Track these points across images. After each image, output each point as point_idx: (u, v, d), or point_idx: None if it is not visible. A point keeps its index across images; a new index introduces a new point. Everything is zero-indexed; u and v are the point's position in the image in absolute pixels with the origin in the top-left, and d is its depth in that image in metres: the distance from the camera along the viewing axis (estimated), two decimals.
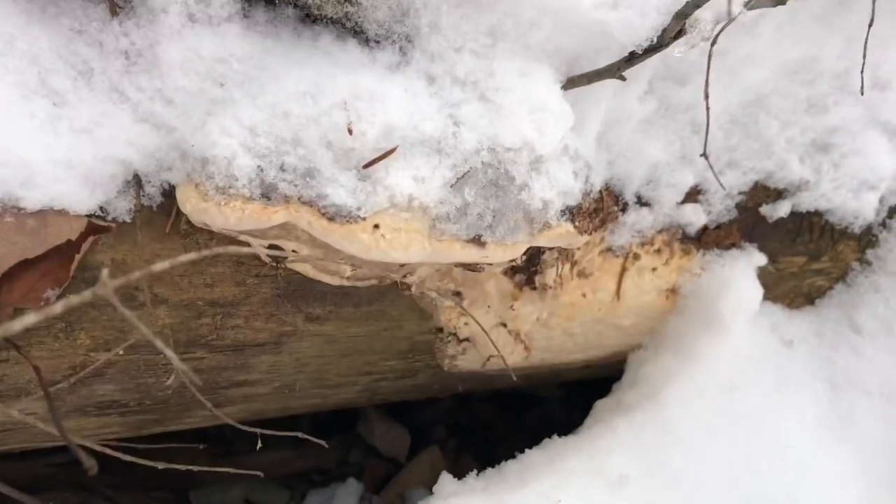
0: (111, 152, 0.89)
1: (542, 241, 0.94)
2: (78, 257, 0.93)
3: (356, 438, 1.87)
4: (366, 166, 0.86)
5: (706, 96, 1.01)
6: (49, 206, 0.88)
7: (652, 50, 0.92)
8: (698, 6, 0.86)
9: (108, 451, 0.90)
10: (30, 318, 0.52)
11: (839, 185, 1.23)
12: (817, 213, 1.26)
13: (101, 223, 0.92)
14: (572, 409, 1.39)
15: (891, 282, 1.31)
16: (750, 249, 1.23)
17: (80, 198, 0.89)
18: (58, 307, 0.52)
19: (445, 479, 1.08)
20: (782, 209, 1.23)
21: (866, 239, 1.33)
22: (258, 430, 1.02)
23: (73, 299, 0.52)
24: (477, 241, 0.91)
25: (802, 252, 1.29)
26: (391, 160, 0.87)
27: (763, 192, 1.22)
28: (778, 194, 1.23)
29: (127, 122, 0.89)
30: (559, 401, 1.94)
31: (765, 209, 1.23)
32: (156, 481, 1.75)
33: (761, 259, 1.23)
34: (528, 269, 1.10)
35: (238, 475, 1.78)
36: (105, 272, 0.50)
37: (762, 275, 1.25)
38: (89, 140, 0.88)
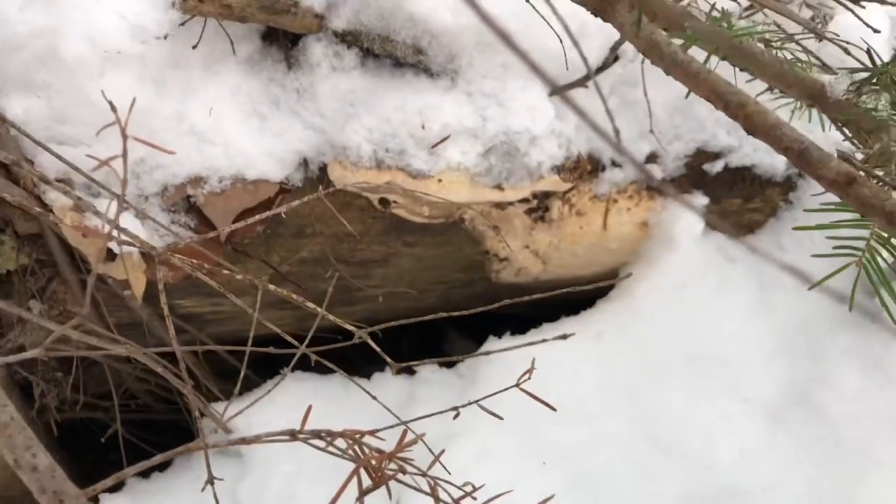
0: (292, 147, 1.58)
1: (539, 187, 1.58)
2: (273, 207, 1.63)
3: (442, 356, 2.54)
4: (433, 147, 1.53)
5: (645, 94, 1.63)
6: (260, 178, 1.58)
7: (600, 70, 1.55)
8: (619, 46, 1.49)
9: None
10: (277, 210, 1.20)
11: (757, 147, 1.81)
12: (746, 168, 1.84)
13: (286, 187, 1.62)
14: None
15: (804, 215, 1.87)
16: (696, 194, 1.83)
17: (276, 173, 1.59)
18: (295, 203, 1.19)
19: (491, 337, 1.74)
20: (718, 166, 1.82)
21: (787, 185, 1.90)
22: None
23: (296, 202, 1.19)
24: (499, 187, 1.56)
25: (739, 196, 1.87)
26: (447, 143, 1.52)
27: (703, 155, 1.81)
28: (714, 156, 1.81)
29: (300, 129, 1.58)
30: None
31: (706, 167, 1.82)
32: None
33: (704, 200, 1.82)
34: (539, 209, 1.74)
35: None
36: (320, 187, 1.18)
37: (710, 213, 1.84)
38: (280, 140, 1.57)
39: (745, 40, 0.92)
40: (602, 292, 2.00)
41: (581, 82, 1.56)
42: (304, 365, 2.36)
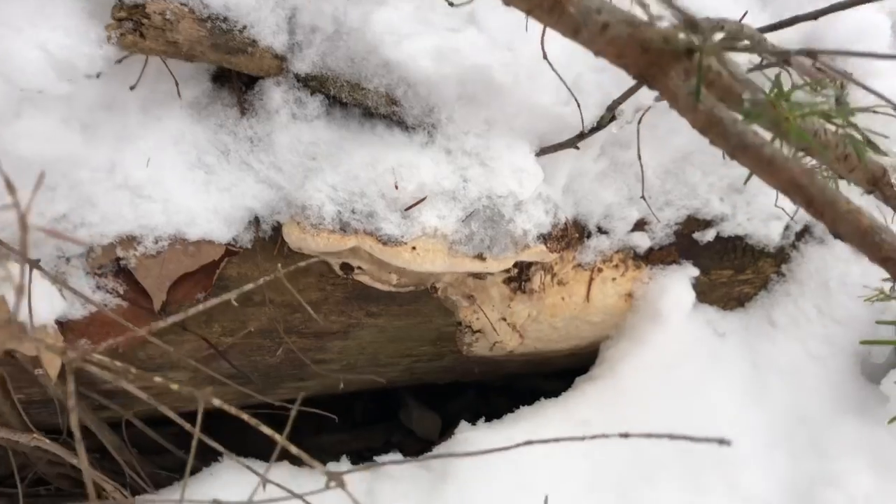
0: (242, 203, 1.37)
1: (524, 257, 1.41)
2: (218, 272, 1.41)
3: (398, 425, 2.32)
4: (407, 209, 1.34)
5: (639, 157, 1.48)
6: (202, 238, 1.37)
7: (595, 130, 1.39)
8: (620, 103, 1.33)
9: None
10: (213, 301, 0.99)
11: (751, 216, 1.67)
12: (738, 238, 1.71)
13: (234, 249, 1.41)
14: None
15: (798, 288, 1.74)
16: (686, 265, 1.68)
17: (222, 233, 1.37)
18: (245, 288, 0.99)
19: (463, 423, 1.54)
20: (709, 235, 1.67)
21: (780, 256, 1.76)
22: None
23: (249, 285, 0.99)
24: (480, 256, 1.37)
25: (729, 266, 1.73)
26: (423, 205, 1.34)
27: (694, 223, 1.67)
28: (706, 224, 1.67)
29: (252, 183, 1.37)
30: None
31: (697, 235, 1.67)
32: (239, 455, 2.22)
33: (694, 271, 1.67)
34: (519, 279, 1.56)
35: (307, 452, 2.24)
36: (279, 265, 0.97)
37: (699, 284, 1.70)
38: (228, 195, 1.37)
39: (809, 118, 0.76)
40: (582, 366, 1.83)
41: (573, 142, 1.40)
42: (244, 447, 2.12)
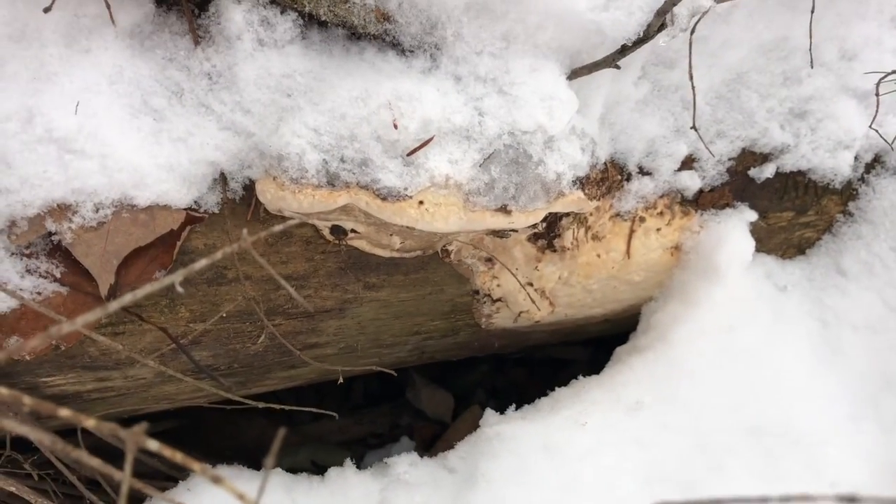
0: (202, 156, 1.09)
1: (557, 207, 1.14)
2: (179, 244, 1.14)
3: (405, 404, 2.07)
4: (409, 154, 1.06)
5: (691, 77, 1.20)
6: (155, 203, 1.09)
7: (640, 42, 1.11)
8: (675, 3, 1.05)
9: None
10: (170, 279, 0.72)
11: (817, 146, 1.40)
12: (800, 173, 1.44)
13: (196, 214, 1.13)
14: (598, 371, 1.57)
15: (871, 229, 1.48)
16: (742, 208, 1.41)
17: (180, 195, 1.10)
18: (201, 263, 0.72)
19: (489, 413, 1.28)
20: (768, 171, 1.40)
21: (847, 193, 1.50)
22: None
23: (218, 254, 0.72)
24: (504, 209, 1.10)
25: (790, 208, 1.47)
26: (429, 148, 1.06)
27: (750, 157, 1.39)
28: (763, 158, 1.40)
29: (214, 130, 1.09)
30: (586, 363, 2.12)
31: (753, 172, 1.40)
32: (227, 452, 1.97)
33: (752, 215, 1.40)
34: (548, 235, 1.30)
35: (304, 441, 1.99)
36: (245, 231, 0.70)
37: (755, 230, 1.43)
38: (185, 147, 1.09)
39: None
40: (615, 334, 1.57)
41: (612, 59, 1.12)
42: (236, 438, 1.88)
